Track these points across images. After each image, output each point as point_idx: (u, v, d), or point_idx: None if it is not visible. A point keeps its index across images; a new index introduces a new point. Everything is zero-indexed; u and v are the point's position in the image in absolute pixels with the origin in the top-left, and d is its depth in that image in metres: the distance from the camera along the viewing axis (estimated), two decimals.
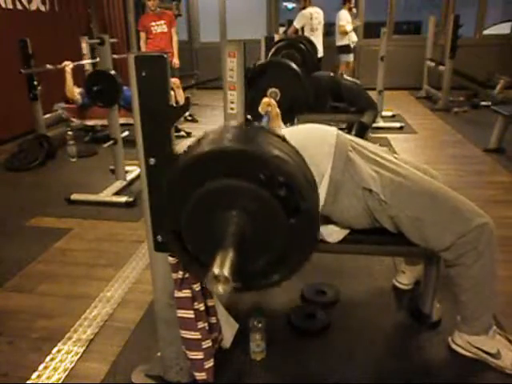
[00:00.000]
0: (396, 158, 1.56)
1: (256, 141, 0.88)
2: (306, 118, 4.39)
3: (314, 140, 1.49)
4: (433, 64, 6.40)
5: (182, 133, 4.86)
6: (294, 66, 2.11)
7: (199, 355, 1.27)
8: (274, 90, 1.98)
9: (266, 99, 1.90)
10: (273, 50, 3.61)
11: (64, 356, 1.57)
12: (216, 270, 0.70)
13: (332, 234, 1.46)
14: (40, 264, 2.22)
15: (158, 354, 1.40)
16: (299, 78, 2.08)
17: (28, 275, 2.12)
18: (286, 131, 1.63)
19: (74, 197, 3.00)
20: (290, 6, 8.58)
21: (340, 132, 1.51)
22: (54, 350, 1.60)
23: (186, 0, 7.96)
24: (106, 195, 3.06)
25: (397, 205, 1.37)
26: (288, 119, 2.29)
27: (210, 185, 0.83)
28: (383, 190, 1.37)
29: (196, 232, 0.89)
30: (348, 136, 1.54)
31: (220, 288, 0.72)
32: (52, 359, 1.56)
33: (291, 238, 0.85)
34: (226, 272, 0.70)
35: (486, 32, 7.64)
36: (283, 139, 0.92)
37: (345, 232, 1.47)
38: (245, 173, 0.81)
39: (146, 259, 2.19)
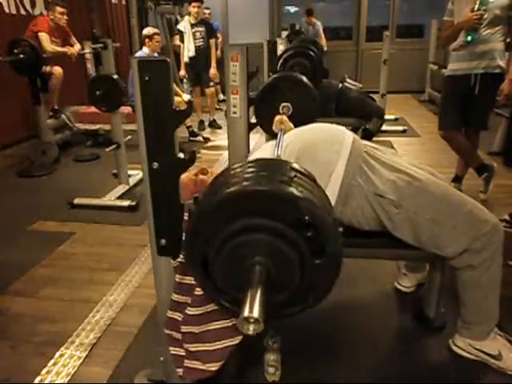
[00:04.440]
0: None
1: (284, 181, 0.85)
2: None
3: (325, 138, 1.50)
4: (435, 67, 6.39)
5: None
6: (303, 79, 2.11)
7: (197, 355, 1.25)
8: (285, 104, 2.00)
9: (278, 117, 1.89)
10: (280, 61, 3.56)
11: (67, 360, 1.57)
12: (246, 313, 0.70)
13: None
14: (43, 268, 2.23)
15: (161, 358, 1.39)
16: (309, 91, 2.09)
17: (31, 279, 2.13)
18: (296, 130, 1.63)
19: (77, 201, 3.01)
20: (293, 9, 8.61)
21: (356, 137, 1.51)
22: (57, 355, 1.60)
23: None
24: (109, 199, 3.07)
25: (415, 208, 1.36)
26: None
27: (239, 224, 0.83)
28: (400, 193, 1.36)
29: (223, 268, 0.87)
30: (363, 141, 1.54)
31: (251, 329, 0.72)
32: (55, 364, 1.56)
33: (314, 276, 0.85)
34: (256, 314, 0.70)
35: None
36: (312, 179, 0.89)
37: None
38: (274, 214, 0.81)
39: (148, 263, 2.19)
